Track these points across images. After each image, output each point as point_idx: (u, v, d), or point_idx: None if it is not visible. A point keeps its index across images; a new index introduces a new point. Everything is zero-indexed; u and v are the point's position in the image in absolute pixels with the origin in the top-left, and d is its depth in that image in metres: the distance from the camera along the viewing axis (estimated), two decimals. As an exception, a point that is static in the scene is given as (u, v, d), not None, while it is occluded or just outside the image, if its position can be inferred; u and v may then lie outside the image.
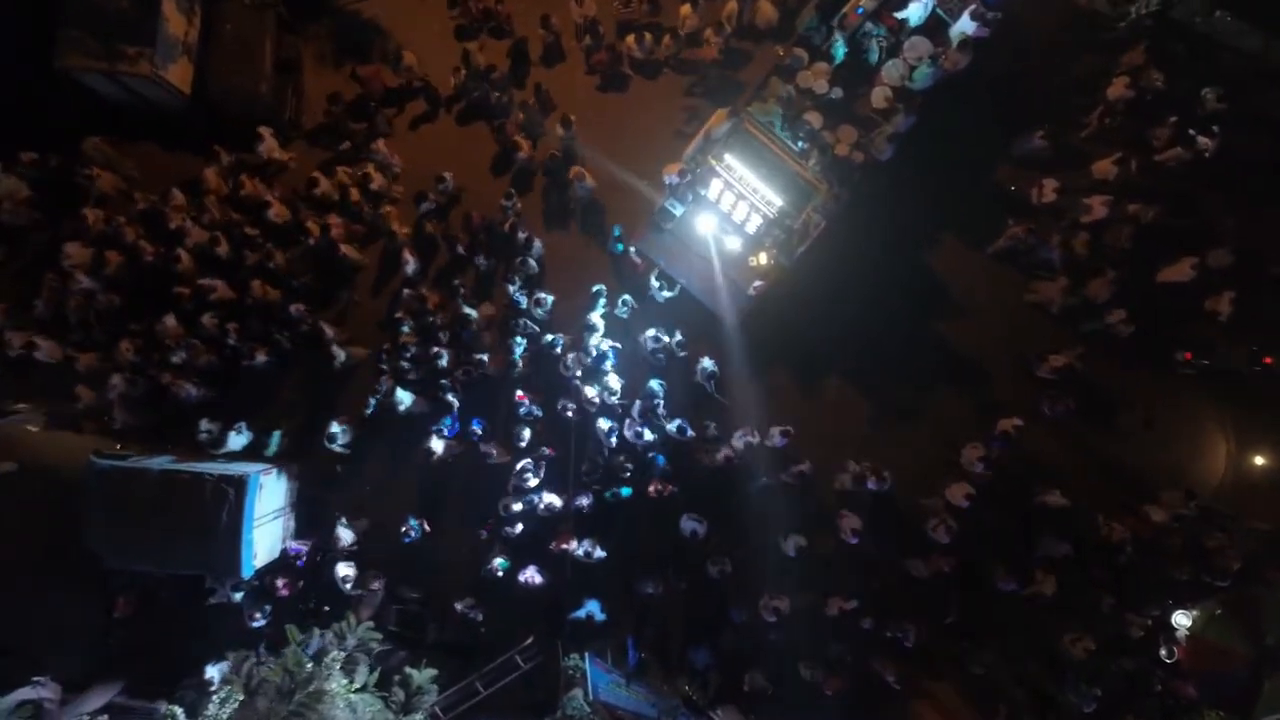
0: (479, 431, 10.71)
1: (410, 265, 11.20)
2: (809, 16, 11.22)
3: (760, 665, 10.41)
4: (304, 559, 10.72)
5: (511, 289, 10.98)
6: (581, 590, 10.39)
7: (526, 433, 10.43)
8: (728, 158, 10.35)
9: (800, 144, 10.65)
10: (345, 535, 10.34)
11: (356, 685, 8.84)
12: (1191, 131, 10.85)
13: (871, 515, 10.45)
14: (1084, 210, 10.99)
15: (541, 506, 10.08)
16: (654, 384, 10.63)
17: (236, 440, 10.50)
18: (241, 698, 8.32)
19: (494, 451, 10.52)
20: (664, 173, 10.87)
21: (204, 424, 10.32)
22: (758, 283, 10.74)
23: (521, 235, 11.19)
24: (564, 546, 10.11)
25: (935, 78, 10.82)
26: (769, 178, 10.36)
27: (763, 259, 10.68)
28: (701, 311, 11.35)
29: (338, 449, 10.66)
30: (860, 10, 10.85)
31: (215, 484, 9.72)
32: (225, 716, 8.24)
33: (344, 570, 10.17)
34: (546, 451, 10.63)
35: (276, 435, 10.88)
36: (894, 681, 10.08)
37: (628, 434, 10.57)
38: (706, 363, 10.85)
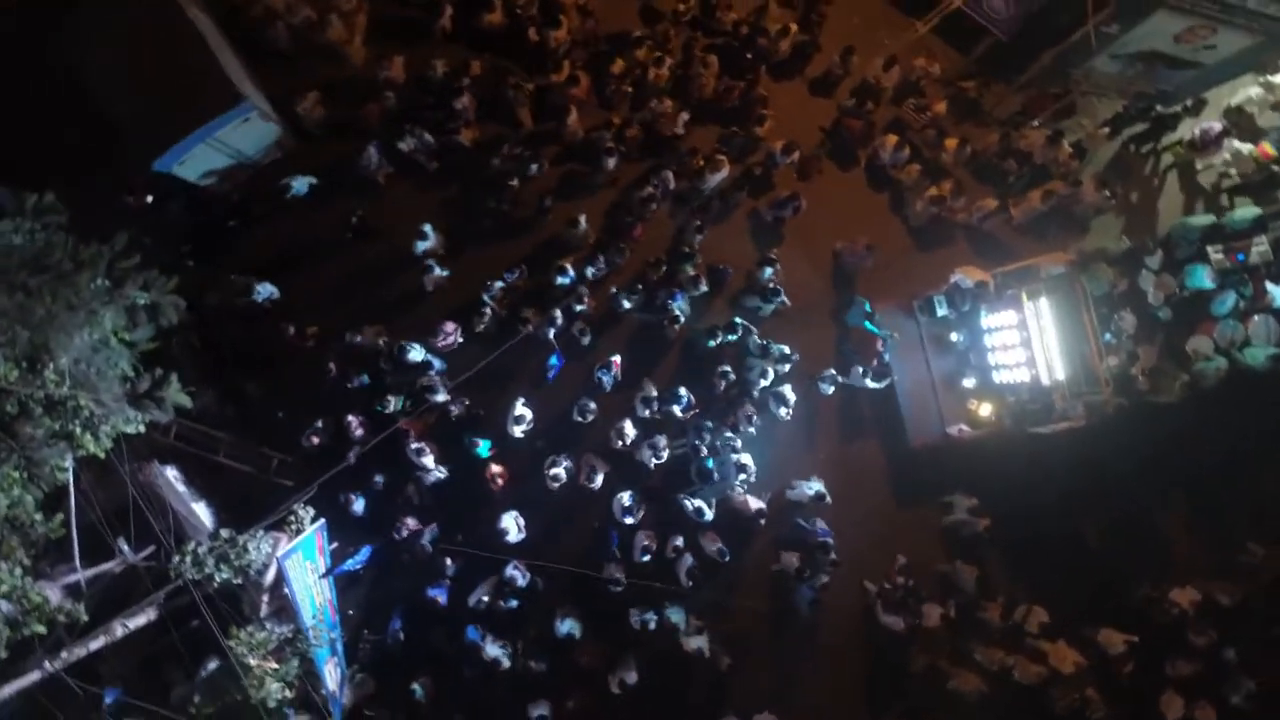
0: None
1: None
2: (1196, 225, 10.44)
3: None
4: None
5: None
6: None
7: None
8: (1043, 301, 9.49)
9: (1108, 336, 9.89)
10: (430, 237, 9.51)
11: (131, 338, 7.40)
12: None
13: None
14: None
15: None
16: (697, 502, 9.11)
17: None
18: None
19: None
20: (958, 270, 10.05)
21: None
22: (963, 426, 9.96)
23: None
24: (409, 438, 8.91)
25: (1266, 366, 9.97)
26: (1066, 346, 9.45)
27: (985, 409, 9.82)
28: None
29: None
30: (1241, 257, 10.13)
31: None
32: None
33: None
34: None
35: None
36: None
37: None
38: (814, 484, 9.58)
